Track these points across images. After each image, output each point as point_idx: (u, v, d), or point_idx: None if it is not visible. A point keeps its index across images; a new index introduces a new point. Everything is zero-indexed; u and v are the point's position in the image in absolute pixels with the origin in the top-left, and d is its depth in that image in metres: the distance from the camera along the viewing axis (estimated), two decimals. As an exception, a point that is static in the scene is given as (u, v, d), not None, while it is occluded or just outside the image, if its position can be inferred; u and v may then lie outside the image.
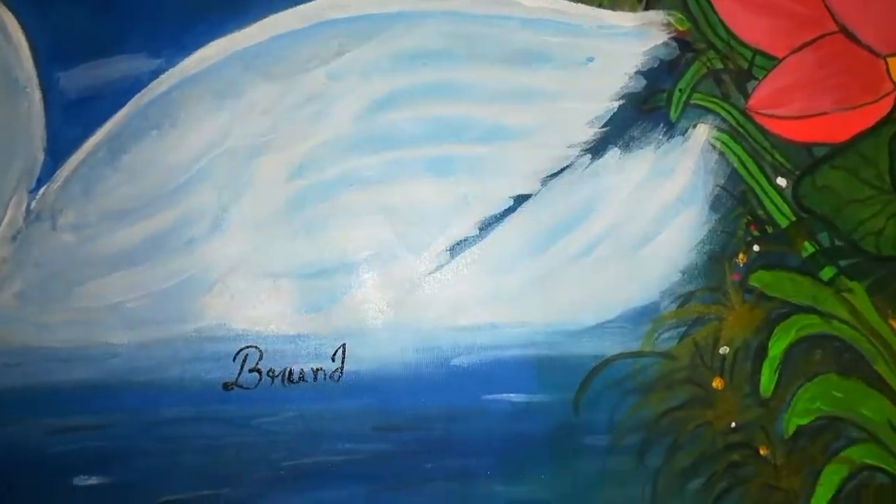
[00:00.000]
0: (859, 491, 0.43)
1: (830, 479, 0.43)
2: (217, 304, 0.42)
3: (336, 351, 0.42)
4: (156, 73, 0.42)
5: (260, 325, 0.42)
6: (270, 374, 0.42)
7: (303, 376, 0.42)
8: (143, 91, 0.42)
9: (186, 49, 0.42)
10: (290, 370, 0.42)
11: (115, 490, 0.42)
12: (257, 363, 0.42)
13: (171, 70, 0.42)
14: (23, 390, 0.41)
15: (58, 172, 0.42)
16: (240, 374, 0.42)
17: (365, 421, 0.42)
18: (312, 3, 0.42)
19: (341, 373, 0.42)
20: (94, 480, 0.42)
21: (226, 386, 0.42)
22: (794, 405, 0.43)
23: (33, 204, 0.42)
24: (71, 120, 0.42)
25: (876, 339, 0.43)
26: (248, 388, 0.42)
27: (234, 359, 0.42)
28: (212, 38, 0.42)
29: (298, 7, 0.42)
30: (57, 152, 0.42)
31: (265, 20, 0.42)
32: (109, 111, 0.42)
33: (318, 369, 0.42)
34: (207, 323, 0.42)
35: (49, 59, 0.42)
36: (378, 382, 0.42)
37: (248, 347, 0.42)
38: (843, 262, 0.43)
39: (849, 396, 0.43)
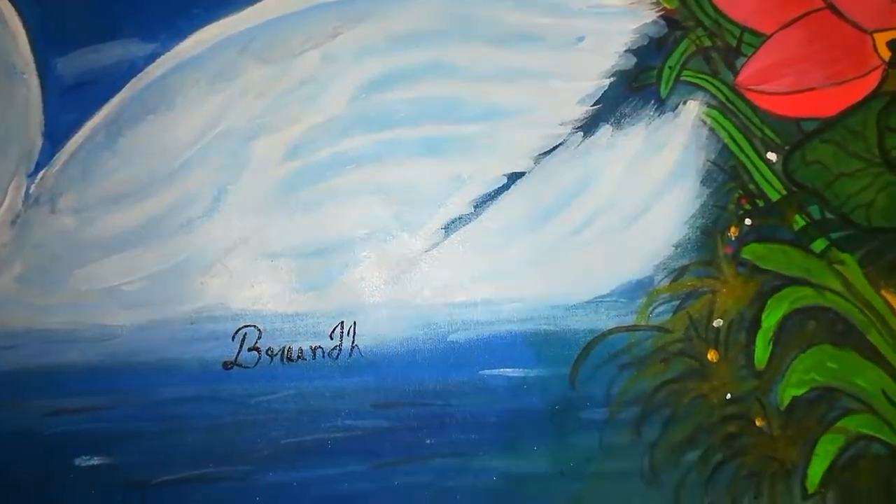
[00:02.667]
0: (855, 461, 0.43)
1: (826, 449, 0.43)
2: (215, 285, 0.42)
3: (334, 329, 0.42)
4: (151, 58, 0.42)
5: (258, 304, 0.42)
6: (269, 352, 0.42)
7: (301, 354, 0.42)
8: (139, 75, 0.42)
9: (181, 33, 0.42)
10: (289, 348, 0.42)
11: (116, 470, 0.42)
12: (256, 342, 0.42)
13: (166, 54, 0.42)
14: (23, 372, 0.42)
15: (56, 157, 0.42)
16: (239, 352, 0.42)
17: (363, 398, 0.42)
18: (306, -15, 0.43)
19: (339, 350, 0.42)
20: (95, 461, 0.42)
21: (225, 365, 0.42)
22: (789, 376, 0.43)
23: (32, 188, 0.42)
24: (68, 105, 0.42)
25: (868, 310, 0.44)
26: (247, 367, 0.42)
27: (233, 338, 0.42)
28: (206, 22, 0.43)
29: (292, -10, 0.43)
30: (55, 137, 0.42)
31: (260, 3, 0.43)
32: (106, 96, 0.42)
33: (316, 347, 0.42)
34: (206, 303, 0.42)
35: (46, 44, 0.42)
36: (376, 359, 0.42)
37: (246, 326, 0.42)
38: (834, 235, 0.44)
39: (843, 367, 0.44)
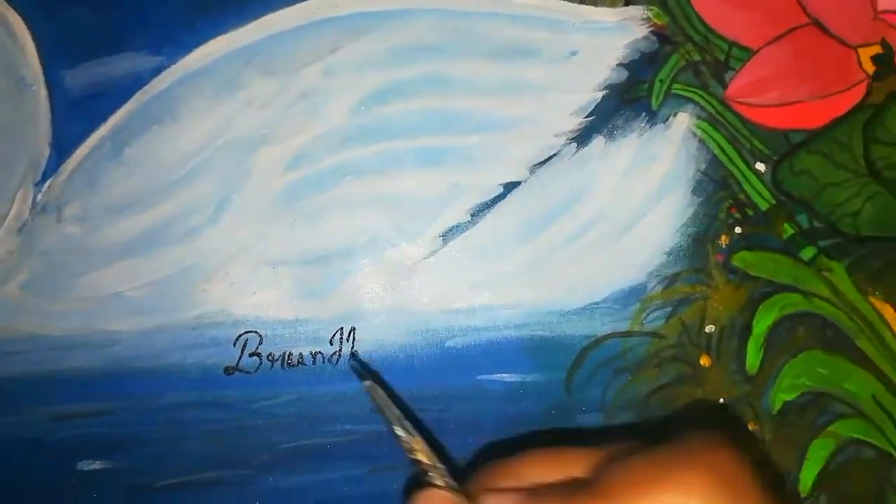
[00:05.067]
0: (847, 465, 0.44)
1: (818, 453, 0.44)
2: (217, 291, 0.43)
3: (334, 335, 0.43)
4: (157, 71, 0.44)
5: (259, 310, 0.43)
6: (270, 358, 0.43)
7: (302, 360, 0.43)
8: (144, 87, 0.43)
9: (187, 47, 0.44)
10: (290, 354, 0.43)
11: (119, 474, 0.42)
12: (257, 348, 0.43)
13: (171, 67, 0.44)
14: (27, 378, 0.42)
15: (63, 166, 0.43)
16: (240, 358, 0.43)
17: (363, 403, 0.43)
18: (308, 2, 0.44)
19: (339, 356, 0.43)
20: (98, 465, 0.42)
21: (227, 370, 0.43)
22: (780, 381, 0.44)
23: (39, 197, 0.43)
24: (76, 116, 0.43)
25: (857, 316, 0.45)
26: (248, 373, 0.43)
27: (235, 344, 0.43)
28: (211, 36, 0.44)
29: (295, 6, 0.44)
30: (62, 147, 0.43)
31: (263, 18, 0.44)
32: (113, 107, 0.43)
33: (316, 353, 0.43)
34: (208, 309, 0.43)
35: (54, 57, 0.44)
36: (375, 365, 0.43)
37: (247, 332, 0.43)
38: (822, 243, 0.45)
39: (833, 372, 0.45)
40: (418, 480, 0.32)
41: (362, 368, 0.43)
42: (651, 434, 0.32)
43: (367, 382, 0.36)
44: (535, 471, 0.31)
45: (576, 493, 0.29)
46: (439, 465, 0.32)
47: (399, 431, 0.32)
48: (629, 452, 0.30)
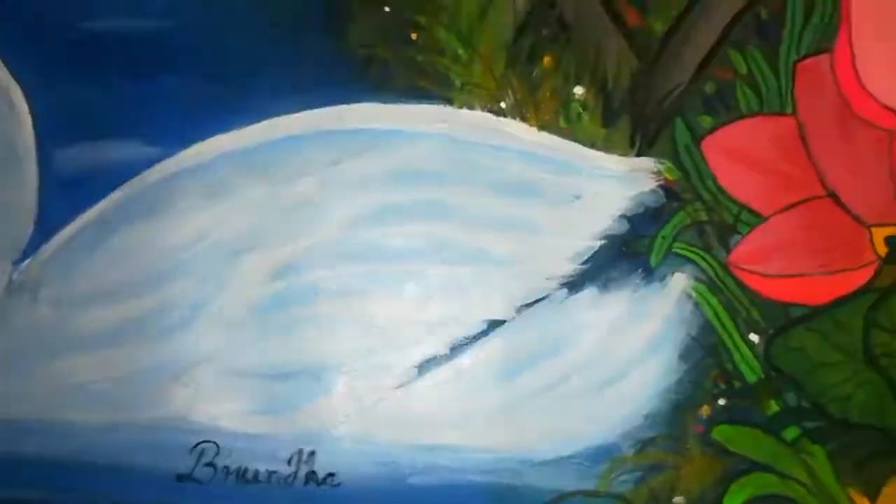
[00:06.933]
0: None
1: None
2: (180, 396, 0.42)
3: (292, 455, 0.42)
4: (152, 161, 0.43)
5: (220, 420, 0.42)
6: (226, 470, 0.42)
7: (257, 476, 0.42)
8: (136, 178, 0.43)
9: (184, 141, 0.43)
10: (246, 469, 0.42)
11: (56, 572, 0.42)
12: (213, 458, 0.42)
13: (166, 160, 0.43)
14: (-21, 459, 0.42)
15: (44, 247, 0.43)
16: (195, 467, 0.42)
17: (311, 531, 0.42)
18: (314, 112, 0.43)
19: (295, 478, 0.42)
20: (42, 560, 0.42)
21: (180, 478, 0.42)
22: (743, 565, 0.43)
23: (16, 275, 0.42)
24: (63, 197, 0.43)
25: (831, 507, 0.43)
26: (202, 482, 0.42)
27: (191, 451, 0.42)
28: (211, 134, 0.43)
29: (301, 113, 0.43)
30: (46, 227, 0.43)
31: (266, 122, 0.43)
32: (101, 193, 0.43)
33: (273, 472, 0.42)
34: (169, 413, 0.42)
35: (50, 134, 0.43)
36: (331, 493, 0.42)
37: (205, 442, 0.42)
38: (808, 424, 0.44)
39: (798, 561, 0.43)
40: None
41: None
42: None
43: None
44: None
45: None
46: None
47: None
48: None
